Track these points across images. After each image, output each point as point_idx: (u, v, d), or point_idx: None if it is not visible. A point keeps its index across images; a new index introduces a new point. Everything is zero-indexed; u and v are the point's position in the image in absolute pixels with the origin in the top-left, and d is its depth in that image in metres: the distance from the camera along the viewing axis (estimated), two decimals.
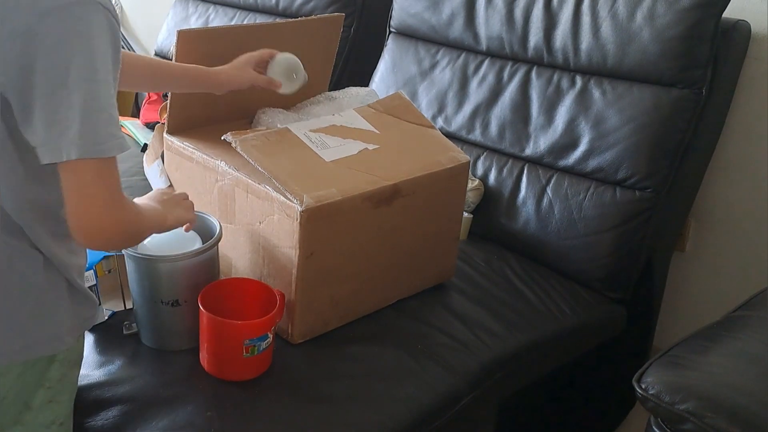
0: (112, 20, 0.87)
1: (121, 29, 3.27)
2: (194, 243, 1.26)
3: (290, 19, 1.60)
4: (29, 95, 0.84)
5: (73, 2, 0.83)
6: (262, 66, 1.40)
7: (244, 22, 2.36)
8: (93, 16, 0.84)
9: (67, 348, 1.01)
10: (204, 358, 1.22)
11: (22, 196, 0.93)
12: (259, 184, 1.28)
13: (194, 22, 2.48)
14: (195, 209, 1.36)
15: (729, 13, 1.56)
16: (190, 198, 1.25)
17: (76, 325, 1.02)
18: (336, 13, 1.68)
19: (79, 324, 1.03)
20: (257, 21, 2.35)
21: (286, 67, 1.42)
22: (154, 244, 1.26)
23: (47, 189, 0.92)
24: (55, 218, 0.95)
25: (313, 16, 1.71)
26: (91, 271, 1.27)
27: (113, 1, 3.11)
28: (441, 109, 1.89)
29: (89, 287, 1.15)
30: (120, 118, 2.39)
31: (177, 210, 1.16)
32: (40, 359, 0.99)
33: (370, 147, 1.38)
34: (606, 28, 1.64)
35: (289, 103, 1.56)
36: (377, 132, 1.42)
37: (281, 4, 2.28)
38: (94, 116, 0.85)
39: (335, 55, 1.63)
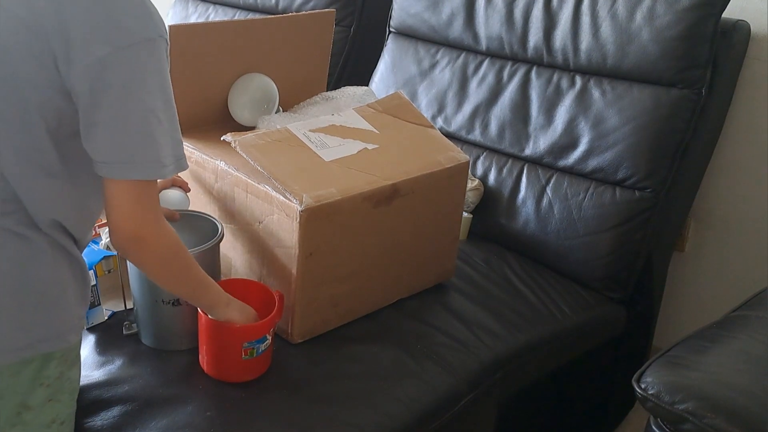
0: (168, 51, 0.96)
1: None
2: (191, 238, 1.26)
3: (281, 15, 1.60)
4: (94, 115, 0.91)
5: (145, 39, 0.91)
6: None
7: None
8: (160, 51, 0.93)
9: (67, 345, 1.01)
10: (203, 360, 1.22)
11: (54, 192, 0.97)
12: (258, 183, 1.28)
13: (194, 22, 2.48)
14: (195, 209, 1.37)
15: (729, 13, 1.56)
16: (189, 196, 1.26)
17: (76, 323, 1.03)
18: (327, 9, 1.67)
19: (78, 322, 1.04)
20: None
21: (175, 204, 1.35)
22: None
23: (77, 187, 0.98)
24: (79, 211, 1.01)
25: (303, 12, 1.71)
26: (91, 271, 1.27)
27: None
28: (441, 109, 1.89)
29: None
30: None
31: (235, 312, 1.18)
32: (36, 357, 0.99)
33: (370, 147, 1.38)
34: (606, 28, 1.64)
35: (287, 104, 1.56)
36: (377, 132, 1.42)
37: (281, 4, 2.28)
38: (164, 139, 0.95)
39: (330, 54, 1.63)
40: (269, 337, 1.20)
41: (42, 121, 0.92)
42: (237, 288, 1.28)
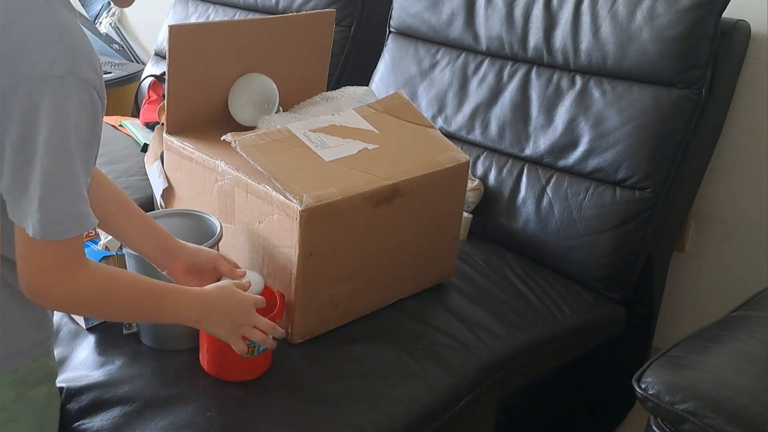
0: (96, 98, 0.86)
1: (122, 31, 3.24)
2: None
3: (281, 15, 1.60)
4: (1, 151, 0.83)
5: (53, 76, 0.82)
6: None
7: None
8: (73, 91, 0.83)
9: (11, 370, 0.98)
10: (204, 358, 1.22)
11: None
12: (258, 183, 1.28)
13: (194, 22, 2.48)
14: (196, 209, 1.37)
15: (729, 13, 1.56)
16: (189, 200, 1.22)
17: (28, 348, 1.00)
18: (327, 9, 1.68)
19: (33, 346, 1.00)
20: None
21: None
22: None
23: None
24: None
25: (303, 12, 1.71)
26: None
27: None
28: (441, 109, 1.89)
29: None
30: (120, 118, 2.37)
31: (226, 323, 1.07)
32: None
33: (370, 147, 1.38)
34: (606, 28, 1.64)
35: (287, 104, 1.56)
36: (377, 132, 1.42)
37: (281, 4, 2.28)
38: (55, 194, 0.85)
39: (330, 54, 1.63)
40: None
41: None
42: None
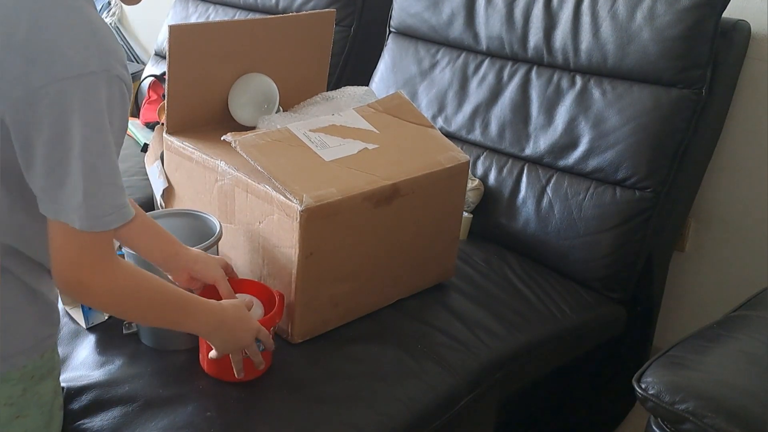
0: (125, 92, 0.88)
1: (122, 31, 3.25)
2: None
3: (281, 15, 1.60)
4: (32, 149, 0.85)
5: (87, 72, 0.83)
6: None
7: None
8: (106, 87, 0.85)
9: (21, 367, 0.98)
10: (203, 359, 1.22)
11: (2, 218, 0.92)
12: (258, 183, 1.28)
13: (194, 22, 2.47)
14: (195, 209, 1.37)
15: (729, 13, 1.56)
16: (188, 198, 1.22)
17: (32, 345, 1.00)
18: (327, 9, 1.68)
19: (38, 343, 1.00)
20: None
21: None
22: None
23: (30, 217, 0.91)
24: (33, 243, 0.95)
25: (304, 12, 1.71)
26: None
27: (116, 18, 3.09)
28: (441, 109, 1.89)
29: None
30: None
31: (229, 344, 1.11)
32: None
33: (370, 147, 1.38)
34: (606, 28, 1.64)
35: (287, 104, 1.56)
36: (377, 132, 1.42)
37: (281, 4, 2.28)
38: (99, 188, 0.87)
39: (330, 54, 1.63)
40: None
41: None
42: (237, 288, 1.28)
